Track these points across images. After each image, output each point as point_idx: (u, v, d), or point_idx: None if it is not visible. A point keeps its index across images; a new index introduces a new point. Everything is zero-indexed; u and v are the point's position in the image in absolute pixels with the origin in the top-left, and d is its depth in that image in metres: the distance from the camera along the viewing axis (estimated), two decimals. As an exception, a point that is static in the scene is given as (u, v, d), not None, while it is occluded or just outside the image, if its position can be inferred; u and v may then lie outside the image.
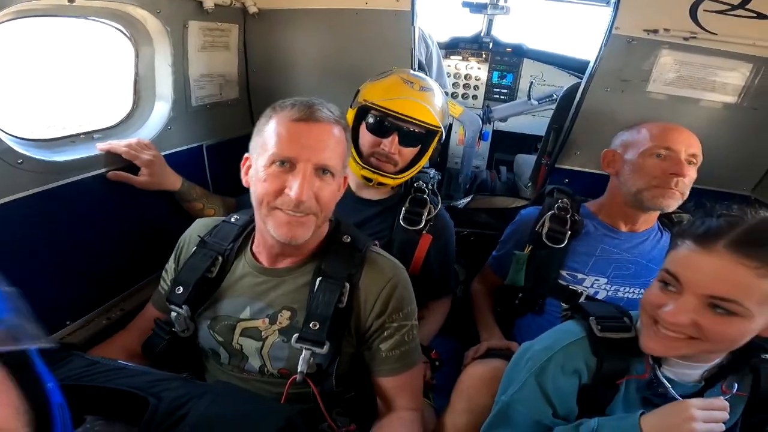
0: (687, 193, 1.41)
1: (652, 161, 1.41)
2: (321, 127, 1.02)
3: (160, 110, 1.59)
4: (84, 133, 1.40)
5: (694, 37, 1.55)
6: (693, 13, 1.52)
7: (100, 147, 1.36)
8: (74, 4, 1.15)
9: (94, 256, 1.40)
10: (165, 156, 1.51)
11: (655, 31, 1.56)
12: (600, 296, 1.49)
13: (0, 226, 1.12)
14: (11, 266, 1.17)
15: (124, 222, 1.48)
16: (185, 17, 1.53)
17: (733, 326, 0.83)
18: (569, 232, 1.51)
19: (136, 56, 1.52)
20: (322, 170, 1.02)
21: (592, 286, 1.50)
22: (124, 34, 1.47)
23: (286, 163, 1.00)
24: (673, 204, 1.41)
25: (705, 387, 0.97)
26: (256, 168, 1.04)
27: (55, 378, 0.58)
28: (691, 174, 1.39)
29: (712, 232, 0.84)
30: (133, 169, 1.43)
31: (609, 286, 1.49)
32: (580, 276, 1.50)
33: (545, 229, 1.52)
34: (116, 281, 1.50)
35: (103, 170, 1.37)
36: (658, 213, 1.50)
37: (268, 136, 1.02)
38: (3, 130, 1.14)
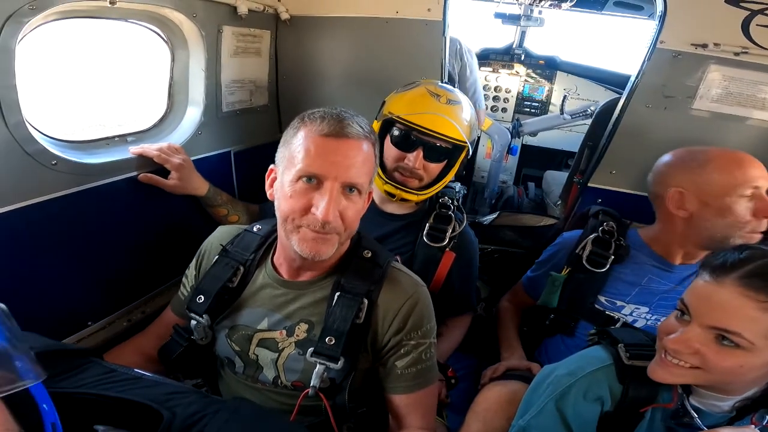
0: None
1: (743, 204, 1.27)
2: (350, 144, 0.99)
3: (192, 115, 1.61)
4: (118, 136, 1.43)
5: (746, 52, 1.48)
6: (745, 27, 1.44)
7: (132, 150, 1.39)
8: (115, 6, 1.17)
9: (119, 258, 1.42)
10: (194, 161, 1.53)
11: (704, 46, 1.49)
12: (638, 324, 1.41)
13: (31, 226, 1.15)
14: (39, 265, 1.20)
15: (150, 226, 1.50)
16: (220, 22, 1.55)
17: (736, 359, 0.83)
18: (612, 257, 1.43)
19: (172, 60, 1.56)
20: (349, 188, 1.00)
21: (631, 314, 1.42)
22: (162, 38, 1.51)
23: (313, 180, 0.98)
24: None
25: (734, 419, 0.93)
26: (282, 182, 1.02)
27: (57, 386, 0.59)
28: None
29: (727, 265, 0.85)
30: (163, 173, 1.45)
31: (650, 315, 1.41)
32: (619, 303, 1.42)
33: (586, 252, 1.45)
34: (139, 284, 1.52)
35: (134, 173, 1.40)
36: None
37: (295, 150, 0.99)
38: (39, 131, 1.17)
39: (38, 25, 1.10)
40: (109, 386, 0.72)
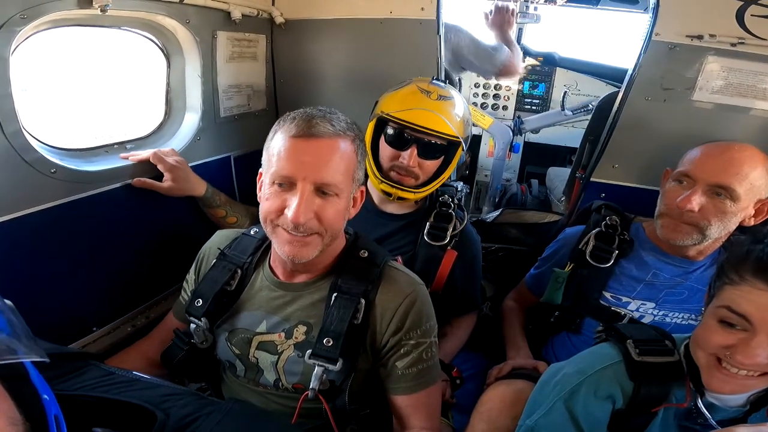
0: (710, 230, 1.26)
1: (672, 187, 1.31)
2: (320, 143, 0.98)
3: (190, 121, 1.62)
4: (117, 144, 1.44)
5: (742, 43, 1.45)
6: (740, 17, 1.43)
7: (123, 157, 1.39)
8: (107, 14, 1.18)
9: (122, 264, 1.43)
10: (194, 167, 1.53)
11: (700, 37, 1.47)
12: (645, 320, 1.39)
13: (32, 234, 1.16)
14: (42, 273, 1.21)
15: (152, 232, 1.50)
16: (214, 27, 1.56)
17: None
18: (616, 252, 1.41)
19: (168, 67, 1.56)
20: (323, 188, 0.98)
21: (637, 310, 1.40)
22: (156, 45, 1.52)
23: (285, 183, 0.98)
24: (683, 240, 1.29)
25: (749, 411, 0.91)
26: (264, 185, 1.03)
27: (57, 388, 0.59)
28: (711, 208, 1.24)
29: None
30: (161, 180, 1.45)
31: (657, 310, 1.38)
32: (625, 299, 1.41)
33: (589, 247, 1.44)
34: (142, 290, 1.52)
35: (132, 181, 1.40)
36: (718, 240, 1.34)
37: (272, 153, 1.00)
38: (38, 140, 1.18)
39: (31, 34, 1.11)
40: (106, 388, 0.72)
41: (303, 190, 0.96)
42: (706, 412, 0.89)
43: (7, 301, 0.57)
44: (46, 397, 0.54)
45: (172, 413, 0.67)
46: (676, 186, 1.30)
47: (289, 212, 0.95)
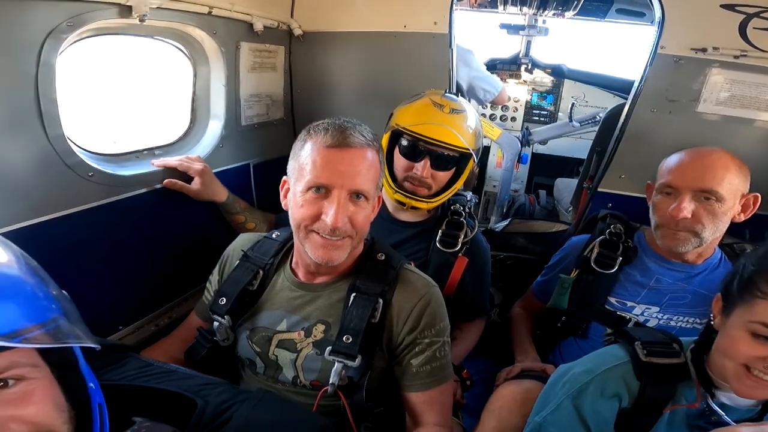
0: (705, 233, 1.31)
1: (660, 199, 1.37)
2: (354, 153, 1.04)
3: (214, 129, 1.68)
4: (147, 149, 1.52)
5: (745, 55, 1.50)
6: (742, 30, 1.48)
7: (155, 163, 1.46)
8: (144, 24, 1.25)
9: (148, 265, 1.48)
10: (216, 173, 1.59)
11: (704, 50, 1.52)
12: (650, 324, 1.42)
13: (67, 234, 1.21)
14: (74, 271, 1.26)
15: (177, 234, 1.56)
16: (238, 38, 1.63)
17: None
18: (620, 259, 1.45)
19: (195, 75, 1.64)
20: (356, 195, 1.05)
21: (642, 314, 1.43)
22: (185, 54, 1.59)
23: (321, 189, 1.04)
24: (684, 246, 1.33)
25: (763, 410, 0.92)
26: (294, 192, 1.08)
27: (101, 378, 0.63)
28: (702, 212, 1.29)
29: None
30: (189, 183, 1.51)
31: (661, 314, 1.42)
32: (630, 304, 1.44)
33: (594, 254, 1.48)
34: (166, 290, 1.58)
35: (161, 185, 1.47)
36: (714, 241, 1.39)
37: (304, 162, 1.06)
38: (77, 145, 1.25)
39: (74, 42, 1.17)
40: (147, 379, 0.77)
41: (339, 197, 1.03)
42: (721, 412, 0.91)
43: (63, 291, 0.62)
44: (91, 385, 0.58)
45: (210, 400, 0.71)
46: (664, 198, 1.35)
47: (328, 218, 1.02)
